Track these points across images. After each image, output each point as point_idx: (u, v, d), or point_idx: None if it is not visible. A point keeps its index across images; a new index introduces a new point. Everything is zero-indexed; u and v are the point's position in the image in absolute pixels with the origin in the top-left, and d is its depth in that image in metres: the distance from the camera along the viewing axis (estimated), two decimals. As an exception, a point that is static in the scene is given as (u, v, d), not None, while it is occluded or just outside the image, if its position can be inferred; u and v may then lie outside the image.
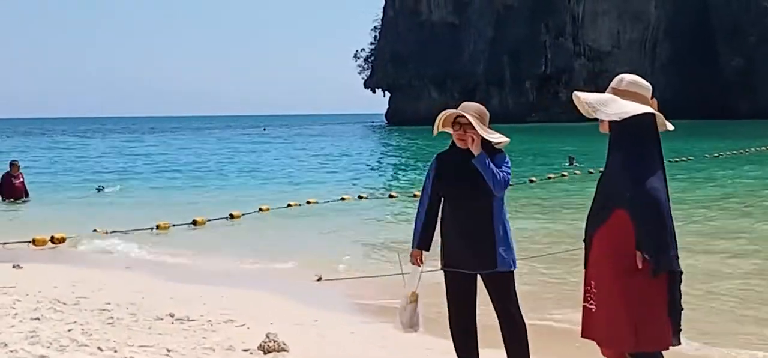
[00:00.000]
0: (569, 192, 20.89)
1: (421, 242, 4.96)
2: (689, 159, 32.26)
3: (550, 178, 25.07)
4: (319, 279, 9.82)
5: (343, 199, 19.29)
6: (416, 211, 5.05)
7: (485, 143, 4.75)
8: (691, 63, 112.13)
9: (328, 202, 18.59)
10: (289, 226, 15.60)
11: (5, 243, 12.35)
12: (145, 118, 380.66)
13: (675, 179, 22.47)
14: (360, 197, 19.84)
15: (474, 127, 4.72)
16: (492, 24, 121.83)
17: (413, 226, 5.02)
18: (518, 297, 4.88)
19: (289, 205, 17.65)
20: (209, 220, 15.28)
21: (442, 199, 4.90)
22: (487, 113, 4.87)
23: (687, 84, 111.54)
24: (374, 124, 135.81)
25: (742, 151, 36.34)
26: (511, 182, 4.80)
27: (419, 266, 5.00)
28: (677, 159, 31.08)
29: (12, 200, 19.88)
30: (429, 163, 5.05)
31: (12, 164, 20.54)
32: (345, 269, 10.50)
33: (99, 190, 23.29)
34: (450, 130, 4.84)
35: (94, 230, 13.86)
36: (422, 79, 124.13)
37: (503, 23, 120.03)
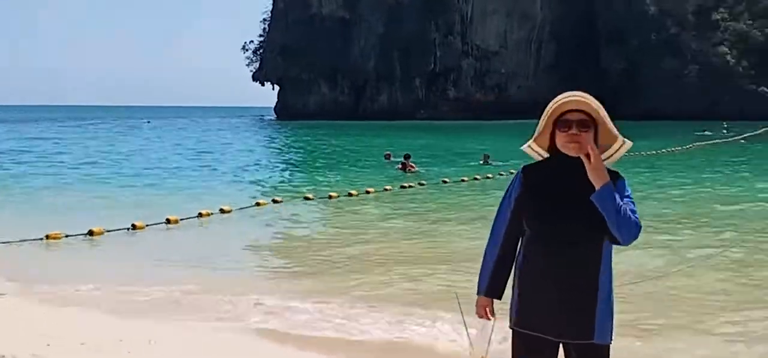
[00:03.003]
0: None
1: (492, 289, 3.65)
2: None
3: (469, 179, 24.12)
4: (261, 304, 8.40)
5: (257, 204, 17.71)
6: (486, 245, 3.69)
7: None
8: (576, 65, 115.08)
9: (242, 208, 16.94)
10: (210, 238, 14.06)
11: None
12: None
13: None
14: (275, 201, 18.25)
15: (590, 130, 3.39)
16: (383, 20, 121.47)
17: (481, 264, 3.69)
18: None
19: (200, 214, 15.69)
20: (108, 231, 13.40)
21: (527, 232, 3.53)
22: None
23: (571, 85, 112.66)
24: (263, 118, 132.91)
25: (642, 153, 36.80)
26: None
27: (490, 319, 3.69)
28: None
29: None
30: (511, 180, 3.65)
31: None
32: (294, 286, 9.12)
33: None
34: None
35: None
36: (312, 73, 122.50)
37: (394, 19, 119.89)
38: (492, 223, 3.67)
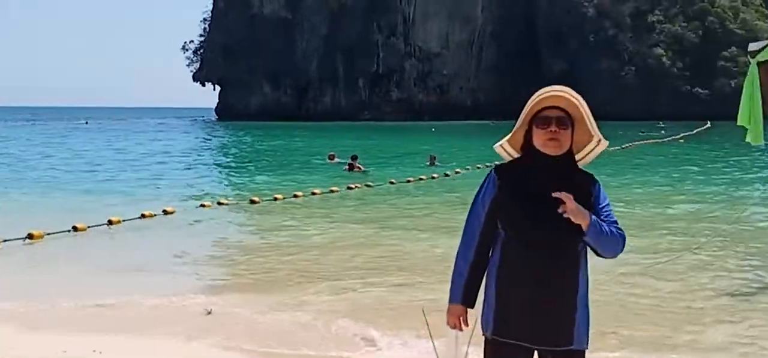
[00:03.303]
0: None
1: (467, 296, 3.37)
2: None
3: (415, 179, 23.98)
4: (210, 313, 8.07)
5: (202, 206, 17.26)
6: (458, 249, 3.41)
7: (567, 161, 3.29)
8: (516, 66, 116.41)
9: (186, 210, 16.49)
10: (153, 241, 13.51)
11: None
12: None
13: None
14: (220, 203, 17.75)
15: (568, 128, 3.25)
16: (326, 21, 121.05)
17: (452, 270, 3.42)
18: None
19: (143, 215, 15.18)
20: (48, 233, 12.87)
21: (502, 235, 3.32)
22: None
23: (512, 87, 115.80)
24: (204, 119, 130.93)
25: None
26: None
27: (462, 330, 3.43)
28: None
29: None
30: (485, 182, 3.40)
31: None
32: (241, 296, 8.82)
33: None
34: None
35: None
36: (254, 73, 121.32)
37: (337, 20, 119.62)
38: (464, 226, 3.42)
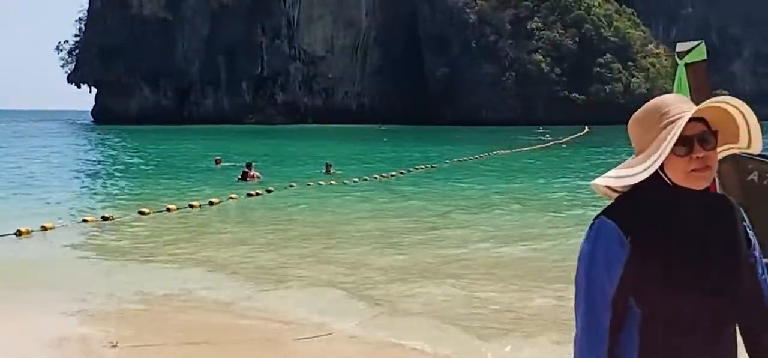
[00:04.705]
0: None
1: None
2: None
3: (314, 183, 23.42)
4: (115, 346, 7.29)
5: (85, 220, 15.82)
6: (577, 344, 2.28)
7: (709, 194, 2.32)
8: (401, 70, 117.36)
9: (65, 225, 15.24)
10: (32, 261, 12.12)
11: None
12: None
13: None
14: (104, 218, 16.18)
15: (714, 147, 2.23)
16: (207, 22, 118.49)
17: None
18: None
19: (19, 232, 13.87)
20: None
21: (636, 314, 2.24)
22: None
23: (396, 90, 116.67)
24: (79, 122, 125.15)
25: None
26: None
27: None
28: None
29: None
30: (596, 233, 2.27)
31: None
32: (148, 326, 8.02)
33: None
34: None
35: None
36: (133, 75, 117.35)
37: (219, 22, 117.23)
38: (579, 308, 2.30)
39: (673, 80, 8.37)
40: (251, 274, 10.85)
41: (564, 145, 51.47)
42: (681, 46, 8.09)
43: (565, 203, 20.30)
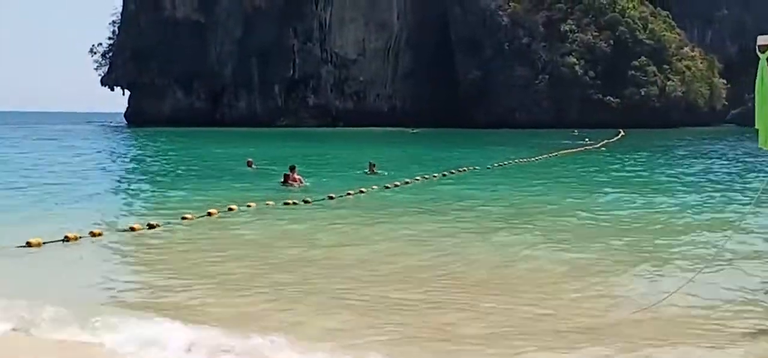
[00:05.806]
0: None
1: None
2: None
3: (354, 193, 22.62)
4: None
5: (132, 229, 15.51)
6: None
7: None
8: (432, 73, 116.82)
9: (117, 231, 15.05)
10: (85, 267, 12.02)
11: None
12: None
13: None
14: (150, 226, 15.82)
15: None
16: (240, 25, 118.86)
17: None
18: None
19: (66, 238, 13.65)
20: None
21: None
22: None
23: (427, 93, 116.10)
24: (113, 124, 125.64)
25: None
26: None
27: None
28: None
29: None
30: None
31: None
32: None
33: None
34: None
35: None
36: (166, 78, 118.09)
37: (251, 24, 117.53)
38: None
39: (754, 80, 7.75)
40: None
41: (603, 149, 50.75)
42: (762, 39, 7.43)
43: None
